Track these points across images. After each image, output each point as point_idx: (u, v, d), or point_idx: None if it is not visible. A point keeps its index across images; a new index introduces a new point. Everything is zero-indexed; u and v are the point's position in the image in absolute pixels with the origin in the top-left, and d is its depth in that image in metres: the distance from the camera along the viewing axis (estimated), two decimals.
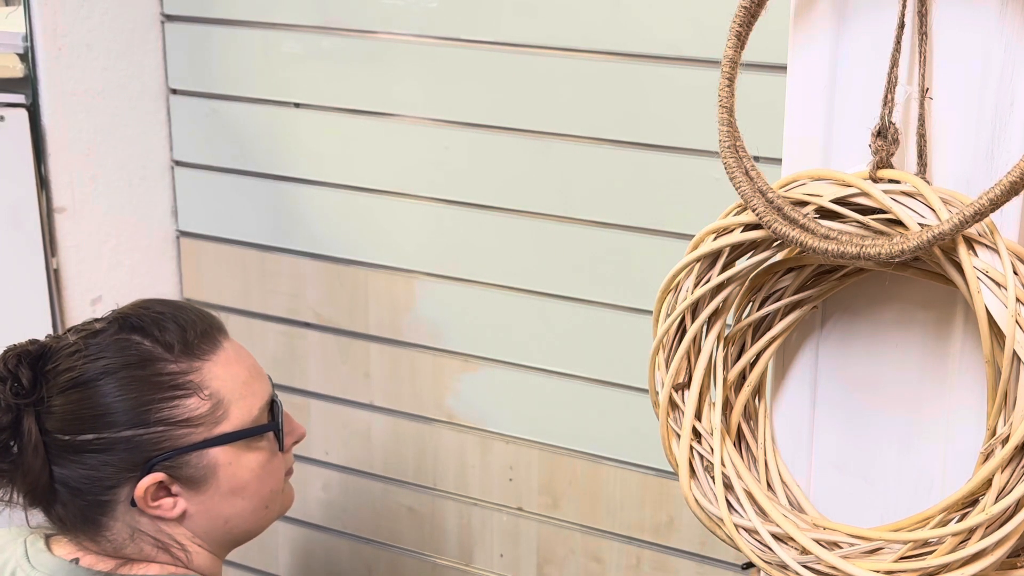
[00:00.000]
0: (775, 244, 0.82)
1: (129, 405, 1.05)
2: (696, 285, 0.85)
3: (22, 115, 1.51)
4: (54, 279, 1.57)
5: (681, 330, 0.88)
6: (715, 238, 0.83)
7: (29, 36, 1.50)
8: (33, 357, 1.07)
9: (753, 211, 0.78)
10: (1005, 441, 0.75)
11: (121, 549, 1.08)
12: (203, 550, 1.11)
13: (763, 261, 0.83)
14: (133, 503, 1.05)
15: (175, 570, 1.08)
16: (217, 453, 1.07)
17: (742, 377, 0.90)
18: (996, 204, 0.71)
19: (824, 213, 0.79)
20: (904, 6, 0.77)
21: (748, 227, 0.82)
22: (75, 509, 1.07)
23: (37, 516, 1.11)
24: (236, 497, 1.10)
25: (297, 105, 1.55)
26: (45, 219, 1.55)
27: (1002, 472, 0.76)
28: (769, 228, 0.78)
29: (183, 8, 1.59)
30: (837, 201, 0.78)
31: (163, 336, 1.08)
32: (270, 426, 1.12)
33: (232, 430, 1.08)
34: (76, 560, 1.08)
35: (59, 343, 1.08)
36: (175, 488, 1.07)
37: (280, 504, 1.16)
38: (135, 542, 1.08)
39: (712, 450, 0.87)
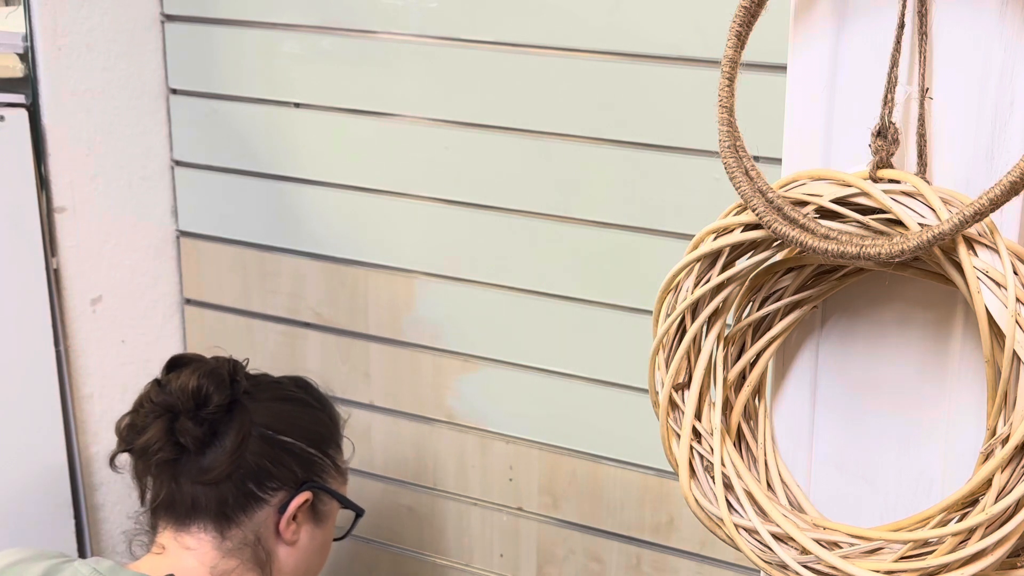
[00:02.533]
0: (775, 244, 0.82)
1: (324, 433, 1.29)
2: (696, 285, 0.85)
3: (22, 115, 1.51)
4: (54, 279, 1.57)
5: (681, 330, 0.88)
6: (715, 238, 0.83)
7: (29, 36, 1.50)
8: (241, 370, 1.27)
9: (753, 211, 0.78)
10: (1005, 441, 0.75)
11: (237, 551, 1.20)
12: None
13: (763, 261, 0.83)
14: (281, 510, 1.22)
15: None
16: (335, 507, 1.30)
17: (742, 377, 0.90)
18: (996, 204, 0.71)
19: (824, 213, 0.79)
20: (904, 6, 0.77)
21: (748, 227, 0.82)
22: (229, 495, 1.20)
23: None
24: (323, 551, 1.30)
25: (297, 105, 1.55)
26: (45, 219, 1.55)
27: (1002, 472, 0.76)
28: (769, 228, 0.78)
29: (183, 8, 1.59)
30: (837, 201, 0.78)
31: (331, 411, 1.34)
32: (361, 512, 1.34)
33: (346, 497, 1.31)
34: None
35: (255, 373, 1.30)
36: (303, 518, 1.25)
37: None
38: (248, 547, 1.21)
39: (712, 450, 0.87)
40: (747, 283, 0.87)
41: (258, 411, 1.23)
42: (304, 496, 1.23)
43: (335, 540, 1.34)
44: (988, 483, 0.77)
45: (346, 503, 1.30)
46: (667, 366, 0.88)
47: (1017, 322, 0.73)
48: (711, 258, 0.84)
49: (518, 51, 1.38)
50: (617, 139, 1.34)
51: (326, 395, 1.35)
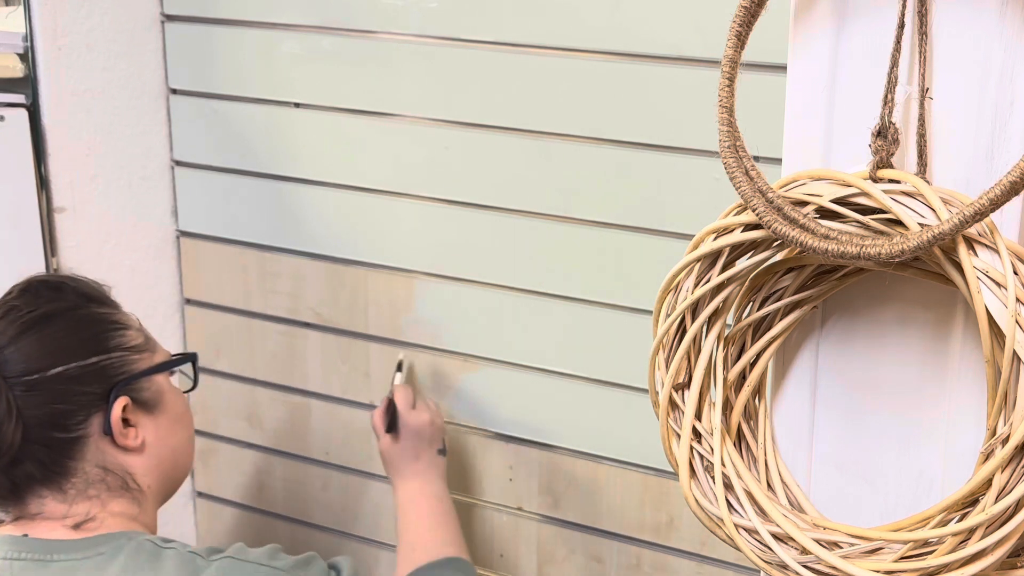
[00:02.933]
0: (775, 244, 0.82)
1: (87, 336, 1.14)
2: (696, 285, 0.85)
3: (22, 115, 1.51)
4: None
5: (681, 330, 0.88)
6: (715, 238, 0.83)
7: (29, 36, 1.50)
8: None
9: (753, 211, 0.78)
10: (1005, 441, 0.75)
11: (84, 493, 1.12)
12: (151, 491, 1.17)
13: (763, 261, 0.83)
14: (106, 431, 1.12)
15: (128, 525, 1.14)
16: (161, 380, 1.19)
17: (742, 377, 0.90)
18: (996, 204, 0.71)
19: (824, 213, 0.79)
20: (904, 6, 0.77)
21: (748, 227, 0.82)
22: (40, 458, 1.11)
23: None
24: (178, 425, 1.21)
25: (297, 105, 1.55)
26: (45, 219, 1.55)
27: (1002, 472, 0.76)
28: (769, 228, 0.78)
29: (183, 8, 1.59)
30: (837, 201, 0.78)
31: (80, 289, 1.18)
32: (192, 355, 1.25)
33: (164, 360, 1.20)
34: (25, 535, 1.11)
35: None
36: (135, 418, 1.15)
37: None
38: (97, 482, 1.13)
39: (712, 450, 0.87)
40: (747, 283, 0.87)
41: (8, 363, 1.09)
42: (119, 404, 1.13)
43: (189, 391, 1.26)
44: (988, 483, 0.77)
45: (166, 367, 1.19)
46: (667, 366, 0.88)
47: (1017, 322, 0.73)
48: (711, 258, 0.84)
49: (518, 51, 1.38)
50: (617, 139, 1.34)
51: (65, 277, 1.19)
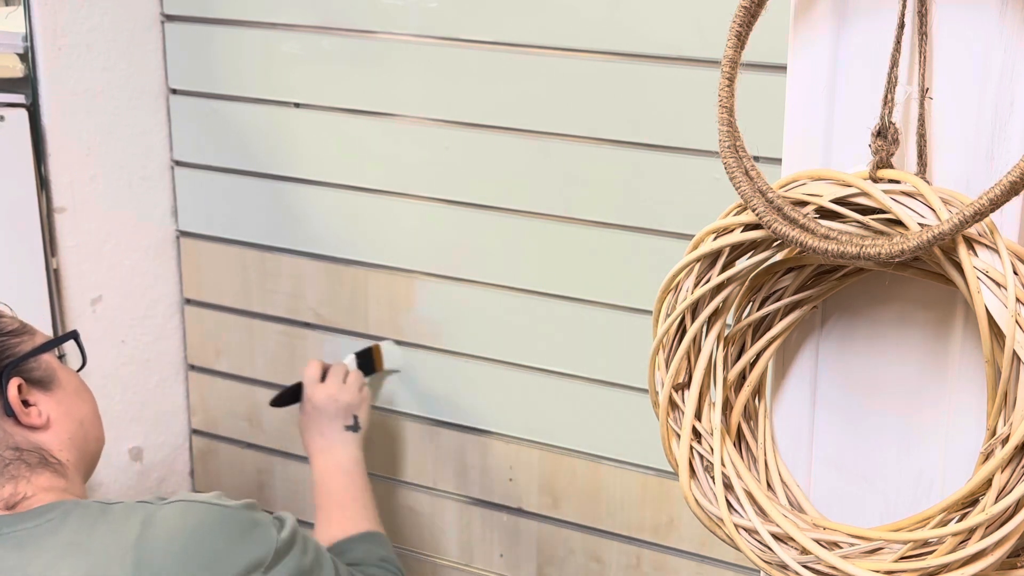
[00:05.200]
0: (775, 244, 0.82)
1: None
2: (696, 285, 0.85)
3: (22, 115, 1.51)
4: (54, 279, 1.57)
5: (681, 330, 0.88)
6: (715, 238, 0.83)
7: (29, 36, 1.50)
8: None
9: (753, 211, 0.78)
10: (1005, 441, 0.75)
11: (6, 473, 1.14)
12: (72, 464, 1.18)
13: (763, 261, 0.83)
14: (8, 413, 1.14)
15: (62, 496, 1.14)
16: (49, 359, 1.21)
17: (742, 377, 0.90)
18: (996, 204, 0.71)
19: (824, 213, 0.79)
20: (904, 6, 0.77)
21: (748, 227, 0.82)
22: None
23: None
24: (78, 399, 1.22)
25: (297, 105, 1.55)
26: (45, 219, 1.55)
27: (1002, 472, 0.76)
28: (769, 228, 0.78)
29: (183, 8, 1.59)
30: (837, 201, 0.78)
31: None
32: (72, 333, 1.27)
33: (47, 340, 1.21)
34: None
35: None
36: (33, 397, 1.17)
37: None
38: (18, 461, 1.14)
39: (712, 450, 0.87)
40: (747, 283, 0.87)
41: None
42: (13, 385, 1.15)
43: (80, 369, 1.28)
44: (988, 483, 0.77)
45: (51, 346, 1.22)
46: (667, 366, 0.88)
47: (1017, 322, 0.73)
48: (711, 258, 0.84)
49: (518, 51, 1.38)
50: (617, 139, 1.34)
51: None
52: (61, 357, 1.25)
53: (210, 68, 1.59)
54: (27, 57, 1.51)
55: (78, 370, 1.28)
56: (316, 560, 1.16)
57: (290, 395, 1.50)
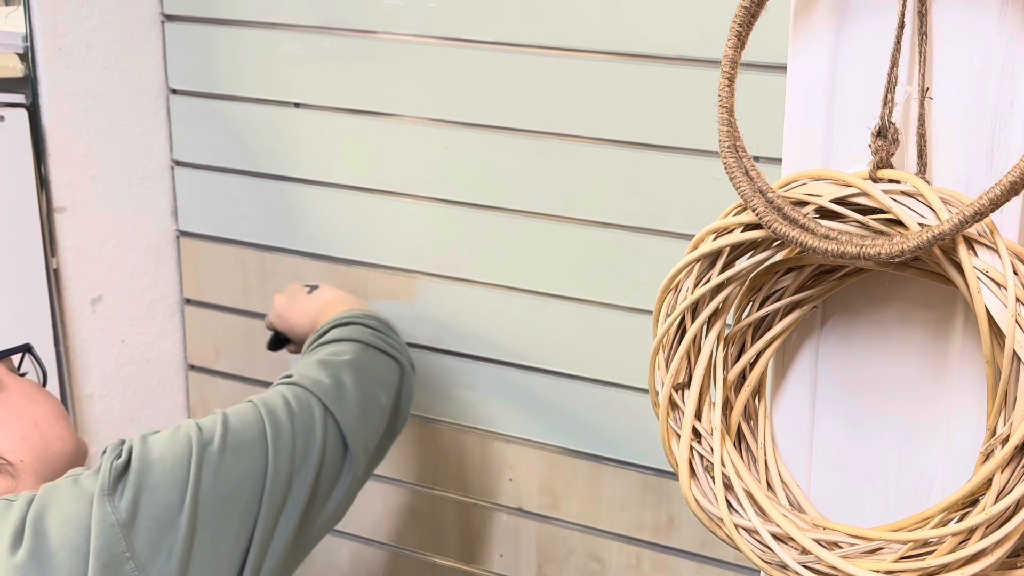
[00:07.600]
0: (775, 244, 0.82)
1: None
2: (696, 285, 0.85)
3: (22, 115, 1.51)
4: (54, 279, 1.57)
5: (681, 330, 0.88)
6: (715, 238, 0.83)
7: (29, 36, 1.50)
8: None
9: (753, 211, 0.78)
10: (1005, 441, 0.75)
11: None
12: (25, 466, 1.17)
13: (763, 261, 0.83)
14: None
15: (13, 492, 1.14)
16: None
17: (742, 377, 0.90)
18: (996, 204, 0.71)
19: (824, 213, 0.79)
20: (904, 6, 0.77)
21: (748, 227, 0.82)
22: None
23: None
24: (29, 401, 1.21)
25: (297, 105, 1.55)
26: (45, 219, 1.55)
27: (1002, 472, 0.76)
28: (769, 228, 0.78)
29: (183, 8, 1.59)
30: (837, 201, 0.78)
31: None
32: (24, 346, 1.27)
33: None
34: None
35: None
36: None
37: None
38: None
39: (712, 450, 0.87)
40: (747, 283, 0.87)
41: None
42: None
43: (44, 383, 1.30)
44: (988, 483, 0.77)
45: (5, 353, 1.24)
46: (667, 366, 0.88)
47: (1017, 322, 0.73)
48: (711, 258, 0.84)
49: (518, 51, 1.38)
50: (617, 139, 1.34)
51: None
52: (23, 374, 1.26)
53: (210, 68, 1.59)
54: (27, 57, 1.51)
55: (43, 384, 1.28)
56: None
57: (274, 340, 1.49)
